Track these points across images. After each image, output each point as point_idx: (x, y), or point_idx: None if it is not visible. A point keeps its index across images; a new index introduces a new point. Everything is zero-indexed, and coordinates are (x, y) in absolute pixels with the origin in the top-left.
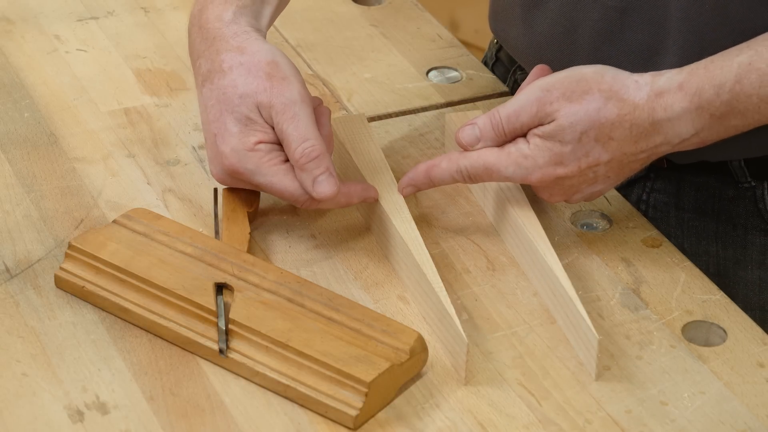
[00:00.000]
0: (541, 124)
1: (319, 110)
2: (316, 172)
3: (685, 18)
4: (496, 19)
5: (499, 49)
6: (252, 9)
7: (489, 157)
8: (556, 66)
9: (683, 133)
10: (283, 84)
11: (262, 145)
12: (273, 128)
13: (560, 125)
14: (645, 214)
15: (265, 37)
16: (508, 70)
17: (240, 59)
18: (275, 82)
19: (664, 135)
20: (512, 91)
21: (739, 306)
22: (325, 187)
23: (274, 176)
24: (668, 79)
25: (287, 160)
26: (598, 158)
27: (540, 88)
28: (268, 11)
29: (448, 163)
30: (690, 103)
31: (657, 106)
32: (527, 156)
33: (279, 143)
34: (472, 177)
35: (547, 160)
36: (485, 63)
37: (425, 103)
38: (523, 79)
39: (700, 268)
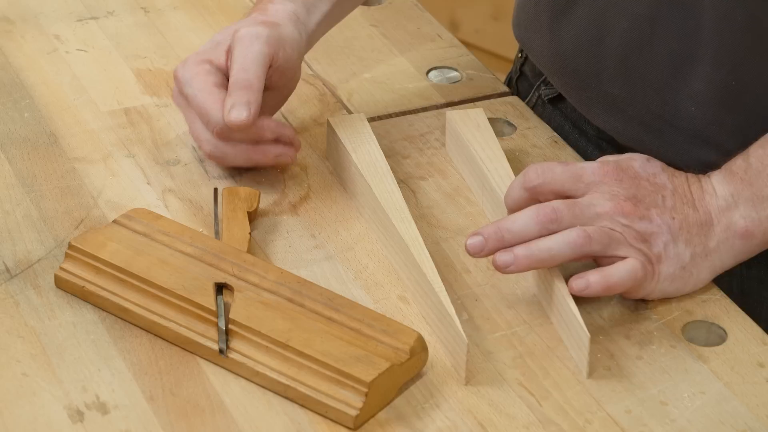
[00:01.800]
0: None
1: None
2: (237, 99)
3: (717, 29)
4: (520, 26)
5: (523, 63)
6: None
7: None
8: (582, 76)
9: (720, 196)
10: (267, 27)
11: (208, 65)
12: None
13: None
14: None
15: (301, 31)
16: (531, 86)
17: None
18: (266, 25)
19: (708, 195)
20: (535, 105)
21: (764, 327)
22: (237, 113)
23: (200, 92)
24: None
25: (222, 87)
26: (662, 180)
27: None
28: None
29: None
30: (721, 169)
31: (698, 175)
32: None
33: (226, 74)
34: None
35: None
36: (509, 77)
37: (425, 103)
38: (546, 95)
39: (724, 288)
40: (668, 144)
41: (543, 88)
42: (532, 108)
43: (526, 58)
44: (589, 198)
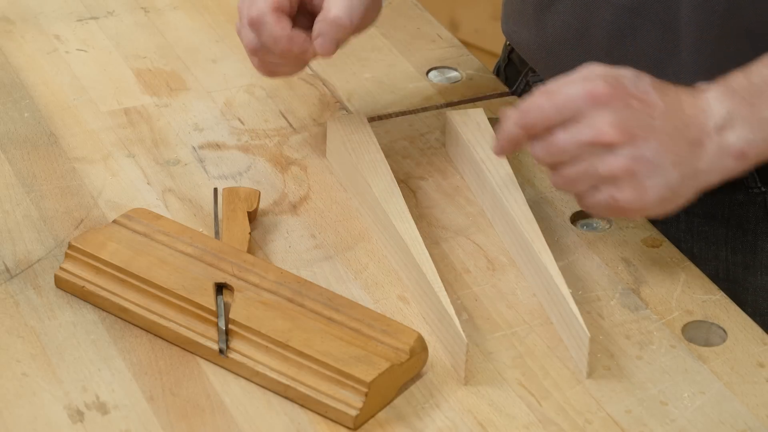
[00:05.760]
0: None
1: None
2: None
3: (695, 19)
4: (508, 21)
5: (511, 51)
6: None
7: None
8: (569, 68)
9: (716, 114)
10: None
11: None
12: None
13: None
14: (654, 219)
15: None
16: (519, 72)
17: None
18: None
19: (702, 114)
20: (522, 93)
21: (749, 312)
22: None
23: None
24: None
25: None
26: (654, 98)
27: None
28: None
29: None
30: (718, 85)
31: (694, 89)
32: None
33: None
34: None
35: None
36: (497, 66)
37: (425, 103)
38: (534, 82)
39: (710, 274)
40: None
41: (531, 74)
42: (520, 95)
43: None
44: (570, 133)
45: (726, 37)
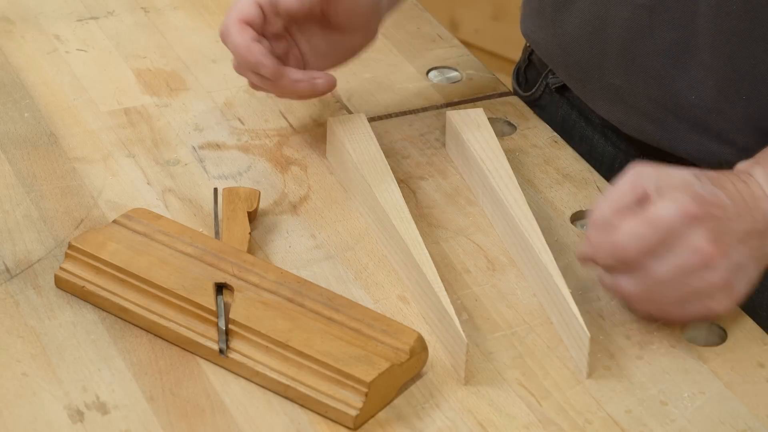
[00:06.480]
0: None
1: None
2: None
3: (714, 16)
4: (526, 20)
5: (531, 52)
6: None
7: None
8: (585, 67)
9: (764, 184)
10: None
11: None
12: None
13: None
14: None
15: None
16: (539, 74)
17: None
18: None
19: (761, 200)
20: (543, 94)
21: (763, 315)
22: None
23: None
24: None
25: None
26: (723, 199)
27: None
28: None
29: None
30: (758, 164)
31: (739, 174)
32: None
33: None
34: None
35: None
36: (517, 68)
37: (425, 103)
38: (554, 84)
39: None
40: (670, 133)
41: (550, 77)
42: (540, 97)
43: None
44: (668, 261)
45: (743, 38)
